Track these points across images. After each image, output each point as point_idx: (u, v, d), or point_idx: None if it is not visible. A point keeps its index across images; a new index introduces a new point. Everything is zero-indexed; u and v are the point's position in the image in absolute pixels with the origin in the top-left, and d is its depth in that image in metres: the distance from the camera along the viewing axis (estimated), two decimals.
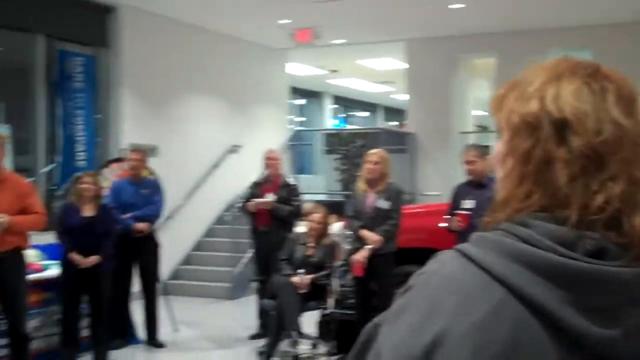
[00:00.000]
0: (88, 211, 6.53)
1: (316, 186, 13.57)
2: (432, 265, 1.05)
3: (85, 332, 6.78)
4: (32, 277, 6.31)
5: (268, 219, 7.55)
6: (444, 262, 1.03)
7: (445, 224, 6.16)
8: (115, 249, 7.11)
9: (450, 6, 10.38)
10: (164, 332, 7.51)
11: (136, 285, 7.40)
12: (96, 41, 10.05)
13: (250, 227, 7.80)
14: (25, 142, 9.34)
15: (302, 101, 18.88)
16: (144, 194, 7.26)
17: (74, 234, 6.44)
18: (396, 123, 19.14)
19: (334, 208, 8.10)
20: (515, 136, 1.04)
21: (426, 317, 0.97)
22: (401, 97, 16.54)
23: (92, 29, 9.97)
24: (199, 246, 11.32)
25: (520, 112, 1.04)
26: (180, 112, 11.13)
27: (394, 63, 14.65)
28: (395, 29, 11.87)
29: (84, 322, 6.77)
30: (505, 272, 0.95)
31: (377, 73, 16.36)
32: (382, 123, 19.95)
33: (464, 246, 1.02)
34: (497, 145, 1.10)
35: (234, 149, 11.76)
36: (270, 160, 7.75)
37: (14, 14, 8.88)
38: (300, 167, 14.56)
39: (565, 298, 0.93)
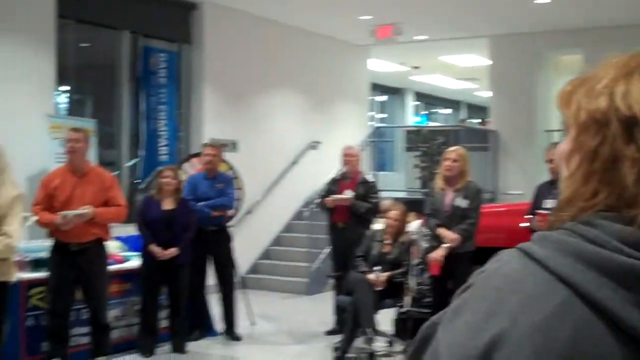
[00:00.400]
0: (168, 204, 6.66)
1: (396, 183, 13.52)
2: (493, 264, 1.02)
3: (164, 323, 6.92)
4: (113, 268, 6.48)
5: (346, 216, 7.55)
6: (506, 261, 1.01)
7: (527, 224, 6.03)
8: (193, 241, 7.27)
9: (535, 1, 10.16)
10: (241, 325, 7.60)
11: (212, 279, 7.50)
12: (179, 37, 10.23)
13: (328, 223, 7.81)
14: (110, 137, 9.60)
15: (383, 98, 18.81)
16: (218, 188, 7.35)
17: (154, 226, 6.58)
18: (479, 120, 18.87)
19: (412, 206, 8.04)
20: (582, 133, 1.01)
21: (486, 317, 0.95)
22: (484, 94, 16.30)
23: (175, 25, 10.16)
24: (277, 241, 11.41)
25: (588, 108, 1.00)
26: (260, 108, 11.24)
27: (477, 59, 14.44)
28: (479, 25, 11.70)
29: (163, 313, 6.92)
30: (570, 272, 0.92)
31: (460, 70, 16.16)
32: (464, 120, 19.71)
33: (526, 245, 0.99)
34: (563, 142, 1.06)
35: (313, 145, 11.81)
36: (348, 157, 7.74)
37: (101, 12, 9.12)
38: (380, 164, 14.52)
39: (631, 299, 0.90)
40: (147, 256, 6.60)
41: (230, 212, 7.73)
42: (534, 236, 1.00)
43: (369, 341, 6.34)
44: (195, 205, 7.09)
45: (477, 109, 20.71)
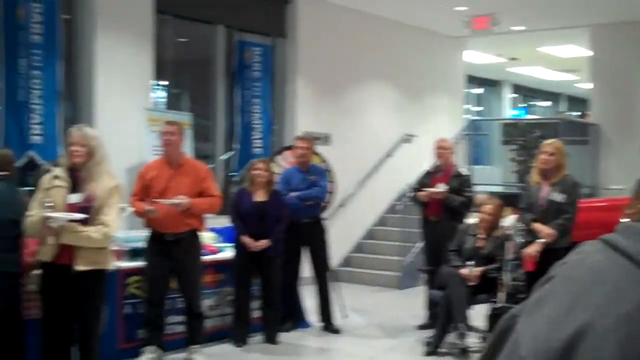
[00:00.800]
0: (260, 197, 6.74)
1: (492, 177, 13.28)
2: (575, 255, 0.98)
3: (256, 314, 7.01)
4: (207, 258, 6.59)
5: (439, 209, 7.45)
6: (589, 253, 0.96)
7: (626, 220, 5.81)
8: (285, 234, 7.32)
9: None
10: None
11: (307, 271, 7.54)
12: (274, 31, 10.32)
13: (421, 217, 7.74)
14: (206, 130, 9.78)
15: (480, 90, 18.50)
16: (311, 180, 7.38)
17: (247, 218, 6.67)
18: (579, 113, 18.33)
19: (508, 200, 7.88)
20: None
21: (568, 309, 0.91)
22: (585, 86, 15.82)
23: (270, 19, 10.25)
24: (370, 234, 11.39)
25: None
26: (353, 101, 11.23)
27: (577, 50, 14.01)
28: (579, 14, 11.34)
29: (256, 303, 7.00)
30: None
31: (559, 61, 15.72)
32: (563, 113, 19.17)
33: (610, 236, 0.94)
34: None
35: (406, 138, 11.72)
36: (441, 150, 7.64)
37: (198, 7, 9.29)
38: (476, 158, 14.29)
39: None
40: (240, 247, 6.69)
41: (322, 204, 7.74)
42: (618, 227, 0.95)
43: (462, 337, 6.25)
44: (287, 197, 7.15)
45: (578, 102, 20.11)
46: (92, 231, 4.69)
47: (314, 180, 7.36)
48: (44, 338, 4.88)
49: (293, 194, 7.22)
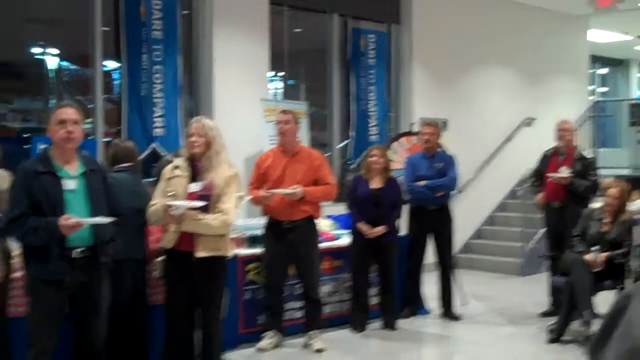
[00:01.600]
0: (376, 183, 6.73)
1: (619, 160, 12.75)
2: None
3: (374, 300, 7.01)
4: (324, 245, 6.64)
5: (562, 194, 7.21)
6: None
7: None
8: (411, 220, 7.29)
9: None
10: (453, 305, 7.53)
11: (430, 257, 7.47)
12: (388, 18, 10.27)
13: (543, 202, 7.50)
14: (322, 119, 9.84)
15: (605, 70, 17.77)
16: (437, 168, 7.28)
17: (363, 205, 6.67)
18: None
19: (636, 183, 7.56)
20: None
21: None
22: None
23: (384, 6, 10.20)
24: (490, 220, 11.18)
25: None
26: (470, 85, 11.02)
27: None
28: None
29: (374, 290, 7.01)
30: None
31: None
32: None
33: None
34: None
35: (527, 122, 11.41)
36: (562, 132, 7.38)
37: None
38: (603, 140, 13.77)
39: None
40: (357, 234, 6.70)
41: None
42: None
43: (587, 324, 6.05)
44: (414, 186, 7.10)
45: None
46: (211, 219, 4.80)
47: (441, 167, 7.25)
48: (167, 323, 5.04)
49: (421, 182, 7.16)
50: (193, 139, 4.91)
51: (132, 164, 5.30)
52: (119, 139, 6.80)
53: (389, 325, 6.86)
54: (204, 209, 4.81)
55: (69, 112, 4.11)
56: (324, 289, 6.68)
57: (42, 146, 6.11)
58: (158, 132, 7.88)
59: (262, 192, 5.94)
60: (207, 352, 5.00)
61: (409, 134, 8.97)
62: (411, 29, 10.26)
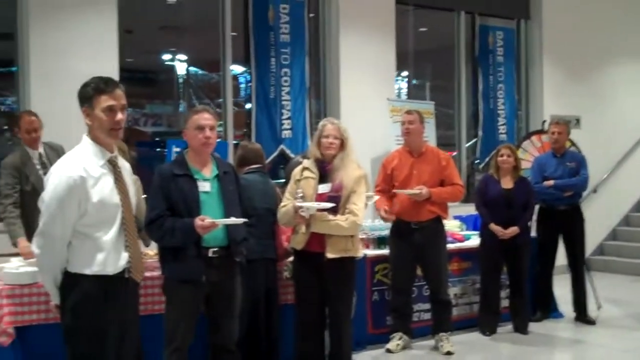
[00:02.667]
0: (507, 183, 6.59)
1: None
2: None
3: (505, 303, 6.87)
4: (453, 246, 6.56)
5: None
6: None
7: None
8: (539, 221, 7.10)
9: None
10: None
11: (561, 259, 7.25)
12: (517, 14, 10.05)
13: None
14: (449, 118, 9.74)
15: None
16: (568, 167, 7.06)
17: (493, 205, 6.54)
18: None
19: None
20: None
21: None
22: None
23: (513, 2, 10.00)
24: (625, 221, 10.74)
25: None
26: (603, 82, 10.62)
27: None
28: None
29: (504, 292, 6.86)
30: None
31: None
32: None
33: None
34: None
35: None
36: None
37: None
38: None
39: None
40: (486, 235, 6.58)
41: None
42: None
43: None
44: (541, 187, 6.93)
45: None
46: (341, 220, 4.84)
47: (571, 167, 7.04)
48: (298, 323, 5.10)
49: (549, 182, 6.97)
50: (330, 140, 4.95)
51: (260, 165, 5.40)
52: (247, 140, 6.94)
53: (520, 328, 6.70)
54: (333, 210, 4.85)
55: (206, 118, 4.23)
56: (453, 290, 6.59)
57: (176, 149, 6.35)
58: (286, 134, 8.02)
59: (383, 212, 5.94)
60: (337, 352, 5.04)
61: (540, 132, 8.73)
62: (541, 24, 9.99)
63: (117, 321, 3.24)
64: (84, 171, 3.12)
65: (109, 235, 3.20)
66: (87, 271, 3.17)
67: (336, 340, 5.03)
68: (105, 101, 3.17)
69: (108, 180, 3.21)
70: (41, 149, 5.58)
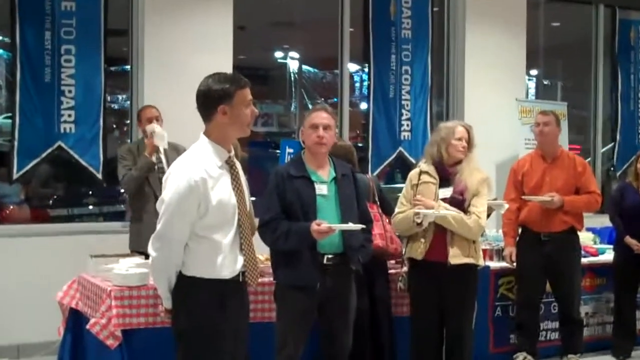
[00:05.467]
0: None
1: None
2: None
3: None
4: (585, 260, 6.37)
5: None
6: None
7: None
8: None
9: None
10: None
11: None
12: None
13: None
14: (583, 120, 9.50)
15: None
16: None
17: (630, 217, 6.33)
18: None
19: None
20: None
21: None
22: None
23: None
24: None
25: None
26: None
27: None
28: None
29: None
30: None
31: None
32: None
33: None
34: None
35: None
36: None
37: None
38: None
39: None
40: (621, 249, 6.38)
41: None
42: None
43: None
44: None
45: None
46: (465, 217, 4.80)
47: None
48: (414, 336, 5.06)
49: None
50: (463, 143, 4.92)
51: (351, 165, 5.38)
52: (338, 137, 6.94)
53: None
54: None
55: (322, 117, 4.27)
56: (584, 308, 6.41)
57: (289, 150, 6.46)
58: (405, 135, 8.00)
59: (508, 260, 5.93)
60: None
61: None
62: None
63: (231, 327, 3.29)
64: (205, 172, 3.18)
65: (227, 237, 3.25)
66: (204, 275, 3.23)
67: (457, 351, 4.97)
68: (247, 95, 3.28)
69: (226, 181, 3.27)
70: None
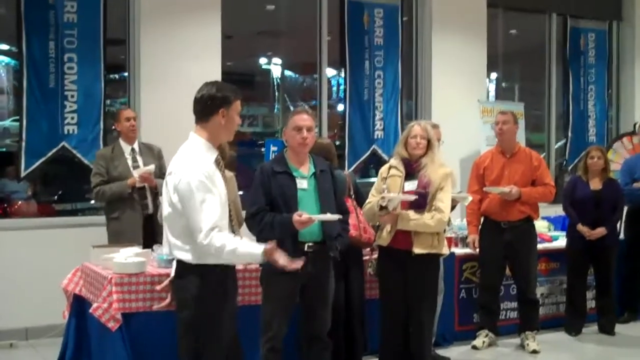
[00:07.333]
0: (595, 184, 6.47)
1: None
2: None
3: (591, 303, 6.74)
4: (540, 246, 6.44)
5: None
6: None
7: None
8: (628, 223, 6.95)
9: None
10: None
11: None
12: (609, 15, 9.80)
13: None
14: (538, 119, 9.59)
15: None
16: None
17: (581, 206, 6.43)
18: None
19: None
20: None
21: None
22: None
23: (605, 3, 9.75)
24: None
25: None
26: None
27: None
28: None
29: (590, 293, 6.74)
30: None
31: None
32: None
33: None
34: None
35: None
36: None
37: None
38: None
39: None
40: (574, 236, 6.48)
41: None
42: None
43: None
44: (631, 189, 6.77)
45: None
46: (427, 218, 4.82)
47: None
48: (383, 317, 5.08)
49: (639, 184, 6.81)
50: (417, 140, 4.96)
51: (329, 162, 5.41)
52: (318, 136, 6.98)
53: (607, 329, 6.57)
54: (421, 207, 4.86)
55: (305, 119, 4.31)
56: (540, 290, 6.50)
57: (273, 148, 6.50)
58: (378, 134, 8.07)
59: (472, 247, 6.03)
60: (417, 346, 5.01)
61: (632, 133, 8.52)
62: (634, 25, 9.71)
63: (230, 311, 3.35)
64: (210, 166, 3.28)
65: (227, 227, 3.34)
66: (212, 261, 3.25)
67: (417, 334, 5.01)
68: (239, 105, 3.43)
69: (219, 176, 3.35)
70: (135, 145, 5.87)
